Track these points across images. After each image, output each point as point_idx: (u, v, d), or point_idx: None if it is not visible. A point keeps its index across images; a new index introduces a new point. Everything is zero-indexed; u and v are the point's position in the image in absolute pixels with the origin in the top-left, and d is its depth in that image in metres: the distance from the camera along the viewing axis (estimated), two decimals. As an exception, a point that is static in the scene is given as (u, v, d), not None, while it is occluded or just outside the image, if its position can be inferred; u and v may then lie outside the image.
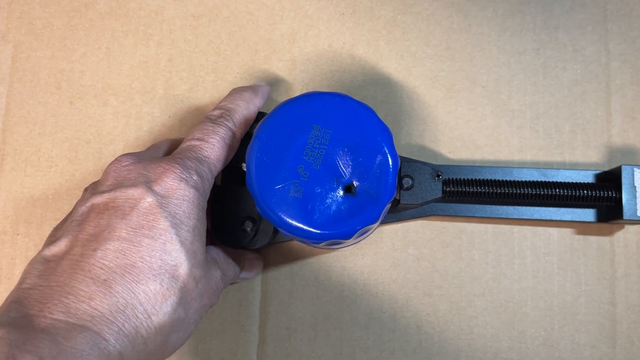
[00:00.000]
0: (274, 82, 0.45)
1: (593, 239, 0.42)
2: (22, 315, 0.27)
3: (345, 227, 0.33)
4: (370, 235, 0.41)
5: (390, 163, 0.34)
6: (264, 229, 0.39)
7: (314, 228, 0.33)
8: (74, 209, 0.33)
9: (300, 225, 0.33)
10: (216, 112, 0.37)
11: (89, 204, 0.31)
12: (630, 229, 0.42)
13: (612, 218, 0.40)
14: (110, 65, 0.46)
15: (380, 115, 0.35)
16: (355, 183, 0.33)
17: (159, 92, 0.46)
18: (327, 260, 0.43)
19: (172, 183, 0.32)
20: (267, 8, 0.46)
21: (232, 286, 0.43)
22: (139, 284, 0.29)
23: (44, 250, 0.30)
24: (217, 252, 0.37)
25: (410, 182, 0.38)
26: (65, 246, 0.30)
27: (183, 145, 0.35)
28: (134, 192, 0.31)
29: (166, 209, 0.31)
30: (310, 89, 0.45)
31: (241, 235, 0.38)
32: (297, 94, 0.45)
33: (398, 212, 0.41)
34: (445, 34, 0.45)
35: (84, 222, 0.31)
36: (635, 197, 0.39)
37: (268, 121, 0.34)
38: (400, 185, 0.38)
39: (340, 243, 0.35)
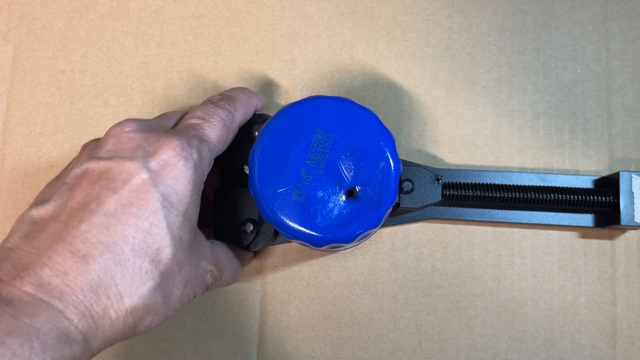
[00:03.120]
0: (274, 83, 0.45)
1: (593, 239, 0.43)
2: None
3: (347, 231, 0.33)
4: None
5: (393, 168, 0.34)
6: (265, 230, 0.39)
7: (315, 232, 0.33)
8: (69, 166, 0.32)
9: (302, 229, 0.33)
10: (217, 97, 0.37)
11: (83, 167, 0.31)
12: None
13: (610, 223, 0.40)
14: (111, 65, 0.46)
15: (380, 116, 0.35)
16: (357, 188, 0.33)
17: (160, 93, 0.46)
18: (327, 260, 0.43)
19: (170, 159, 0.30)
20: (267, 8, 0.46)
21: (232, 286, 0.43)
22: (117, 264, 0.28)
23: (32, 210, 0.30)
24: (219, 249, 0.36)
25: (410, 185, 0.38)
26: (52, 210, 0.29)
27: (184, 123, 0.34)
28: (130, 166, 0.30)
29: (159, 189, 0.30)
30: (310, 90, 0.45)
31: (242, 237, 0.38)
32: (297, 94, 0.45)
33: (398, 215, 0.41)
34: (445, 34, 0.45)
35: (75, 187, 0.30)
36: (632, 202, 0.39)
37: (271, 124, 0.34)
38: (400, 189, 0.38)
39: (341, 247, 0.35)
